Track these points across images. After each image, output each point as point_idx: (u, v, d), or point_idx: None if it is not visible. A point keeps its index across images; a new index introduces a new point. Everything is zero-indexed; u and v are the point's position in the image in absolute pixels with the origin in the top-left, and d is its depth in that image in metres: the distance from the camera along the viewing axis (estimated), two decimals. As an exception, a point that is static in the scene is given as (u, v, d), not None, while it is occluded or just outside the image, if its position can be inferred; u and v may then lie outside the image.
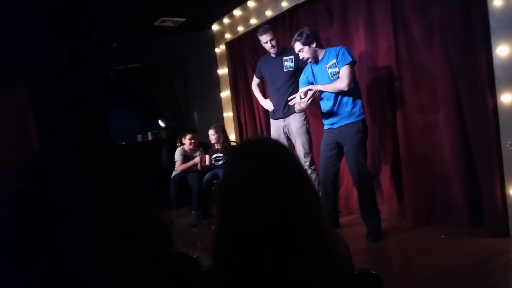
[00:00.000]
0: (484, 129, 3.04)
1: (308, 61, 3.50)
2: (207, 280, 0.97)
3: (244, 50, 5.72)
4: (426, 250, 3.05)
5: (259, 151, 1.02)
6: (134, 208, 0.85)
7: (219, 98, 6.35)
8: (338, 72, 3.31)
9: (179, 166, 5.09)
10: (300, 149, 4.10)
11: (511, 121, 2.90)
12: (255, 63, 5.12)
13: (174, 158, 5.18)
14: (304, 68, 3.70)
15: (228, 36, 5.93)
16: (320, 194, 3.56)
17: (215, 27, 6.17)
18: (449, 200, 3.42)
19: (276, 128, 4.32)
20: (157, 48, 6.43)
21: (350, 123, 3.36)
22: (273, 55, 4.27)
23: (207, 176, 4.99)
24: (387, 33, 3.71)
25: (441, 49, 3.31)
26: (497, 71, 2.93)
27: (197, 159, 5.08)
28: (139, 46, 6.41)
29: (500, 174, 3.00)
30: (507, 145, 2.92)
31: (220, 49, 6.20)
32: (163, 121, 7.47)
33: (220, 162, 5.05)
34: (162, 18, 5.66)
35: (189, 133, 5.28)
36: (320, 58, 3.46)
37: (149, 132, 6.90)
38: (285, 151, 1.05)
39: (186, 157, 5.19)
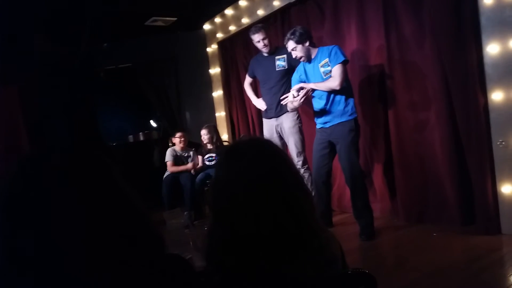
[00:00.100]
0: (475, 127, 3.06)
1: (301, 60, 3.50)
2: (200, 281, 0.96)
3: (236, 50, 5.71)
4: (419, 248, 3.06)
5: (251, 151, 1.01)
6: (126, 212, 0.84)
7: (211, 98, 6.34)
8: (331, 71, 3.32)
9: (170, 168, 5.07)
10: (292, 149, 4.10)
11: (501, 119, 2.92)
12: (247, 62, 5.11)
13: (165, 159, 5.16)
14: (296, 67, 3.70)
15: (220, 35, 5.91)
16: (313, 193, 3.56)
17: (206, 26, 6.16)
18: (441, 198, 3.44)
19: (269, 128, 4.32)
20: (149, 48, 6.40)
21: (342, 122, 3.36)
22: (265, 54, 4.26)
23: (199, 176, 4.97)
24: (379, 32, 3.72)
25: (432, 48, 3.33)
26: (488, 69, 2.95)
27: (189, 165, 5.05)
28: (130, 45, 6.37)
29: (491, 171, 3.02)
30: (498, 143, 2.94)
31: (212, 48, 6.18)
32: (155, 121, 7.42)
33: (213, 162, 5.03)
34: (153, 18, 5.63)
35: (178, 131, 5.27)
36: (312, 57, 3.47)
37: (140, 133, 6.85)
38: (277, 151, 1.04)
39: (177, 158, 5.17)
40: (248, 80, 4.64)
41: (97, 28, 5.22)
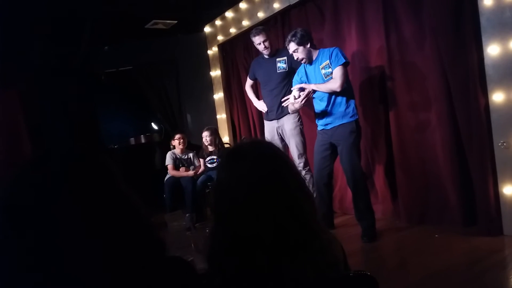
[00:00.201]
0: (476, 128, 3.06)
1: (303, 61, 3.50)
2: (201, 284, 0.96)
3: (237, 52, 5.72)
4: (421, 249, 3.06)
5: (252, 154, 1.01)
6: (126, 216, 0.85)
7: (212, 100, 6.34)
8: (332, 73, 3.32)
9: (171, 171, 5.07)
10: (294, 150, 4.10)
11: (503, 120, 2.92)
12: (248, 64, 5.12)
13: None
14: (297, 69, 3.71)
15: (220, 38, 5.92)
16: (315, 195, 3.56)
17: (207, 29, 6.17)
18: (443, 199, 3.43)
19: (270, 130, 4.32)
20: (149, 51, 6.41)
21: (344, 123, 3.36)
22: (266, 57, 4.27)
23: (201, 178, 4.97)
24: (379, 33, 3.72)
25: (433, 49, 3.33)
26: (489, 70, 2.95)
27: (191, 173, 5.05)
28: (131, 48, 6.38)
29: (493, 172, 3.02)
30: (499, 144, 2.94)
31: (213, 51, 6.19)
32: (156, 123, 7.43)
33: (214, 165, 5.03)
34: (153, 21, 5.64)
35: (177, 133, 5.29)
36: (313, 58, 3.47)
37: (142, 135, 6.86)
38: (279, 153, 1.04)
39: (177, 160, 5.18)
40: (249, 82, 4.64)
41: (98, 30, 5.23)
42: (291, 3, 4.53)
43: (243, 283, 0.92)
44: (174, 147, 5.30)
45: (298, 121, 4.13)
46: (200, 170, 5.11)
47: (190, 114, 6.72)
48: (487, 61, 2.95)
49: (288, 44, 3.45)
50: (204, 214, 4.95)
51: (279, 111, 4.15)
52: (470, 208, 3.22)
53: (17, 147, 4.59)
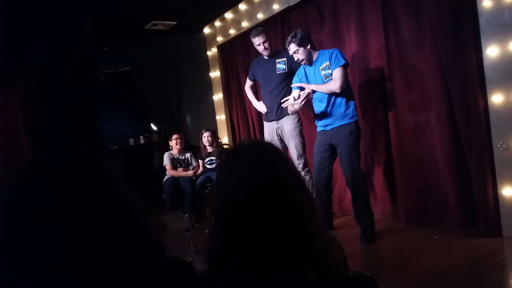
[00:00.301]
0: (475, 129, 3.06)
1: (303, 62, 3.50)
2: (201, 284, 0.96)
3: (236, 53, 5.72)
4: (420, 251, 3.06)
5: (252, 154, 1.01)
6: (125, 218, 0.85)
7: (212, 101, 6.34)
8: (332, 74, 3.32)
9: (169, 171, 5.08)
10: (293, 151, 4.10)
11: (502, 121, 2.92)
12: (247, 65, 5.12)
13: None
14: (296, 70, 3.71)
15: (220, 39, 5.92)
16: (314, 196, 3.56)
17: (206, 30, 6.17)
18: (442, 201, 3.44)
19: (269, 131, 4.32)
20: (149, 51, 6.41)
21: (343, 124, 3.36)
22: (266, 58, 4.27)
23: (200, 179, 4.97)
24: (378, 34, 3.73)
25: (432, 50, 3.33)
26: (488, 72, 2.95)
27: (190, 173, 5.05)
28: (130, 49, 6.38)
29: (492, 174, 3.02)
30: (498, 145, 2.94)
31: (212, 52, 6.19)
32: (155, 124, 7.43)
33: (213, 166, 5.04)
34: (153, 22, 5.64)
35: (174, 133, 5.30)
36: (313, 59, 3.47)
37: (141, 136, 6.86)
38: (279, 154, 1.04)
39: (175, 161, 5.18)
40: (248, 83, 4.65)
41: (97, 31, 5.22)
42: (291, 5, 4.53)
43: (243, 284, 0.92)
44: (171, 148, 5.31)
45: (298, 122, 4.14)
46: (199, 171, 5.11)
47: (189, 115, 6.72)
48: (486, 63, 2.95)
49: (289, 45, 3.45)
50: (203, 214, 4.95)
51: (278, 112, 4.16)
52: (469, 210, 3.22)
53: (16, 147, 4.59)
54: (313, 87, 3.39)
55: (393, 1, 3.58)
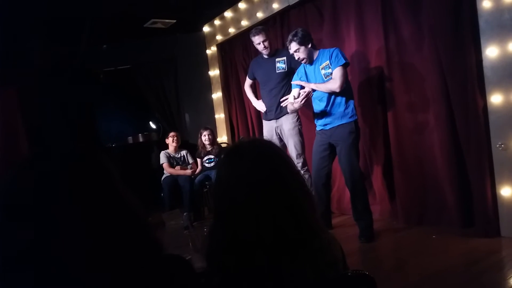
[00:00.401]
0: (474, 129, 3.07)
1: (303, 61, 3.50)
2: (200, 282, 0.96)
3: (236, 52, 5.72)
4: (418, 250, 3.06)
5: (252, 152, 1.01)
6: (123, 217, 0.85)
7: (211, 100, 6.34)
8: (332, 73, 3.32)
9: (167, 169, 5.08)
10: (292, 150, 4.10)
11: (501, 121, 2.93)
12: (247, 64, 5.12)
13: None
14: (296, 69, 3.71)
15: (219, 37, 5.92)
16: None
17: (206, 28, 6.16)
18: (440, 201, 3.44)
19: (269, 129, 4.32)
20: (148, 50, 6.40)
21: (342, 124, 3.36)
22: (265, 56, 4.27)
23: (198, 177, 4.98)
24: (378, 34, 3.73)
25: (431, 50, 3.34)
26: (487, 72, 2.96)
27: (188, 171, 5.06)
28: (129, 47, 6.37)
29: (491, 174, 3.03)
30: (497, 146, 2.95)
31: (211, 50, 6.19)
32: (154, 122, 7.42)
33: (212, 164, 5.04)
34: (152, 20, 5.64)
35: (170, 131, 5.31)
36: (314, 59, 3.47)
37: (140, 134, 6.85)
38: (279, 152, 1.04)
39: (171, 159, 5.19)
40: (248, 82, 4.65)
41: (97, 30, 5.22)
42: (290, 4, 4.53)
43: (242, 282, 0.92)
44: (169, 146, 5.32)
45: (297, 121, 4.13)
46: (198, 170, 5.11)
47: (188, 114, 6.72)
48: (485, 63, 2.96)
49: (290, 44, 3.44)
50: (201, 213, 4.95)
51: (278, 111, 4.16)
52: (468, 210, 3.23)
53: (14, 145, 4.59)
54: (313, 86, 3.39)
55: (393, 1, 3.58)
